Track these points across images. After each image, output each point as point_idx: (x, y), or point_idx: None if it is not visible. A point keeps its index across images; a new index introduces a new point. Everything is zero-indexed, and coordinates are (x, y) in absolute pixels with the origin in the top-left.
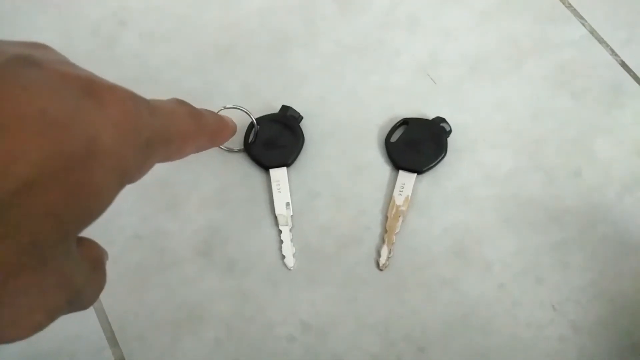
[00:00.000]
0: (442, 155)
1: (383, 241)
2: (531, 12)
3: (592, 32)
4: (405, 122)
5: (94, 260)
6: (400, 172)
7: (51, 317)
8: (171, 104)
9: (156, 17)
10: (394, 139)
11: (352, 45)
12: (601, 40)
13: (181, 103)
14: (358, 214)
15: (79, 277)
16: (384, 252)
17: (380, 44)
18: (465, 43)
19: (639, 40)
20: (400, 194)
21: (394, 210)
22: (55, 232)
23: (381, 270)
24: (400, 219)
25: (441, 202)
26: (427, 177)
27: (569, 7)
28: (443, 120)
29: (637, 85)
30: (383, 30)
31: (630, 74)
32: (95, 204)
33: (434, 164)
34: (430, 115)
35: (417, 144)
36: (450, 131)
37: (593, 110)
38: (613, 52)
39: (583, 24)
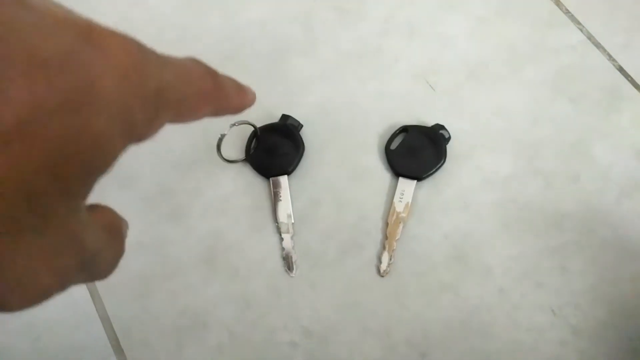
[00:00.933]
0: (442, 162)
1: (384, 247)
2: (529, 18)
3: (590, 37)
4: (404, 129)
5: (110, 225)
6: (400, 179)
7: (61, 282)
8: (185, 60)
9: (158, 27)
10: (393, 146)
11: (351, 53)
12: (599, 46)
13: (196, 61)
14: (359, 221)
15: (90, 239)
16: (385, 258)
17: (379, 52)
18: (464, 49)
19: (636, 45)
20: (401, 201)
21: (395, 216)
22: (52, 185)
23: (382, 276)
24: (401, 226)
25: (441, 208)
26: (427, 183)
27: (567, 12)
28: (442, 127)
29: (635, 89)
30: (382, 37)
31: (627, 79)
32: (97, 156)
33: (433, 170)
34: (430, 121)
35: (416, 151)
36: (449, 138)
37: (591, 115)
38: (610, 57)
39: (581, 30)
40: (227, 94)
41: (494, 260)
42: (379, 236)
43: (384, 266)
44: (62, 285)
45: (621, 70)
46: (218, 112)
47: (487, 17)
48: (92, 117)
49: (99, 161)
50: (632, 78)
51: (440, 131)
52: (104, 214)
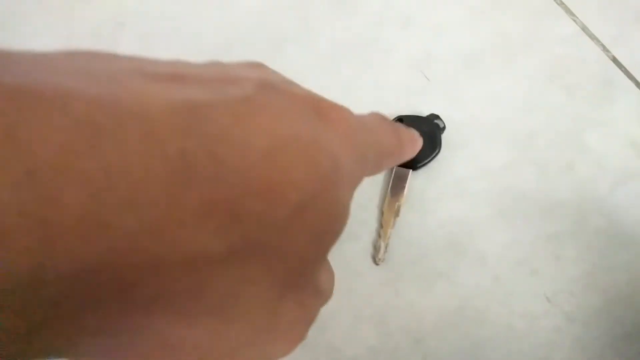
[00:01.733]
0: (437, 151)
1: (379, 236)
2: (523, 8)
3: (584, 28)
4: (400, 119)
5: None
6: (396, 168)
7: (308, 329)
8: (376, 120)
9: (154, 19)
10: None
11: (346, 43)
12: (592, 37)
13: (382, 118)
14: (354, 209)
15: (328, 286)
16: (380, 246)
17: (374, 42)
18: (458, 40)
19: (630, 37)
20: (396, 190)
21: (389, 205)
22: (317, 254)
23: (377, 264)
24: (395, 215)
25: (436, 197)
26: (422, 172)
27: (561, 4)
28: (437, 117)
29: (629, 80)
30: (377, 28)
31: (621, 69)
32: (342, 222)
33: (428, 160)
34: (424, 111)
35: None
36: (444, 128)
37: (585, 105)
38: (604, 48)
39: (574, 21)
40: (406, 150)
41: (489, 248)
42: (374, 225)
43: (379, 254)
44: (308, 332)
45: (615, 61)
46: (395, 163)
47: (481, 8)
48: (340, 188)
49: (343, 224)
50: (625, 69)
51: (435, 121)
52: None
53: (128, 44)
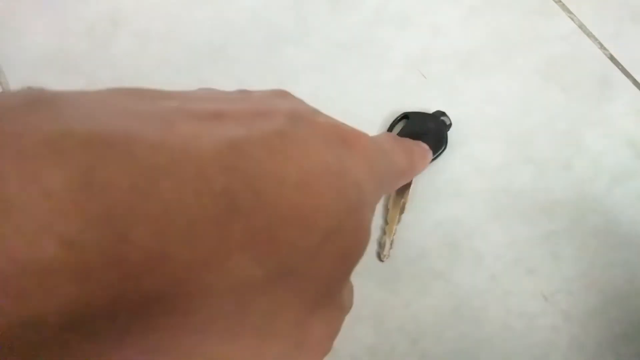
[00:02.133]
0: (443, 148)
1: (384, 232)
2: (520, 6)
3: (581, 26)
4: (405, 116)
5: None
6: None
7: (333, 342)
8: (389, 141)
9: (149, 17)
10: (394, 133)
11: (344, 42)
12: (590, 34)
13: (394, 138)
14: None
15: (349, 300)
16: (386, 243)
17: (371, 41)
18: (455, 39)
19: (627, 34)
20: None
21: (395, 202)
22: (343, 274)
23: (382, 261)
24: (401, 211)
25: (433, 196)
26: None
27: (558, 2)
28: (443, 113)
29: (626, 78)
30: (374, 26)
31: (619, 67)
32: (365, 243)
33: (434, 157)
34: (422, 110)
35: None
36: (450, 125)
37: (583, 104)
38: (602, 46)
39: (572, 18)
40: (417, 168)
41: (486, 247)
42: (379, 222)
43: (385, 251)
44: (332, 345)
45: (612, 59)
46: (404, 182)
47: (478, 6)
48: (363, 213)
49: (365, 246)
50: (623, 67)
51: (442, 117)
52: None
53: (123, 43)
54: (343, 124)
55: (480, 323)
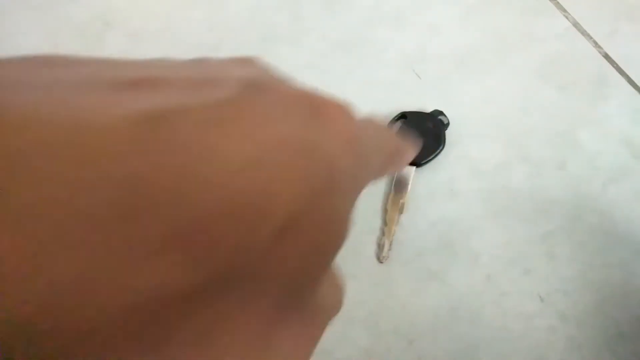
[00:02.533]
0: (441, 147)
1: (383, 234)
2: (516, 6)
3: (576, 25)
4: (403, 115)
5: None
6: None
7: (314, 348)
8: (372, 120)
9: (142, 17)
10: None
11: (339, 42)
12: (585, 33)
13: (379, 120)
14: (357, 207)
15: (334, 300)
16: (385, 244)
17: (366, 40)
18: (451, 38)
19: (621, 33)
20: (399, 187)
21: (393, 203)
22: (313, 272)
23: (381, 262)
24: (400, 212)
25: (429, 196)
26: (414, 171)
27: (553, 0)
28: (441, 113)
29: (621, 77)
30: (369, 26)
31: (613, 66)
32: (342, 234)
33: (432, 156)
34: (420, 109)
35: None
36: (448, 124)
37: (578, 102)
38: (596, 45)
39: (567, 17)
40: (404, 154)
41: (482, 247)
42: (378, 223)
43: (384, 252)
44: (315, 347)
45: (607, 57)
46: (392, 171)
47: (474, 5)
48: (336, 196)
49: (344, 235)
50: (617, 65)
51: (439, 117)
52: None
53: (115, 43)
54: (318, 92)
55: (476, 324)
